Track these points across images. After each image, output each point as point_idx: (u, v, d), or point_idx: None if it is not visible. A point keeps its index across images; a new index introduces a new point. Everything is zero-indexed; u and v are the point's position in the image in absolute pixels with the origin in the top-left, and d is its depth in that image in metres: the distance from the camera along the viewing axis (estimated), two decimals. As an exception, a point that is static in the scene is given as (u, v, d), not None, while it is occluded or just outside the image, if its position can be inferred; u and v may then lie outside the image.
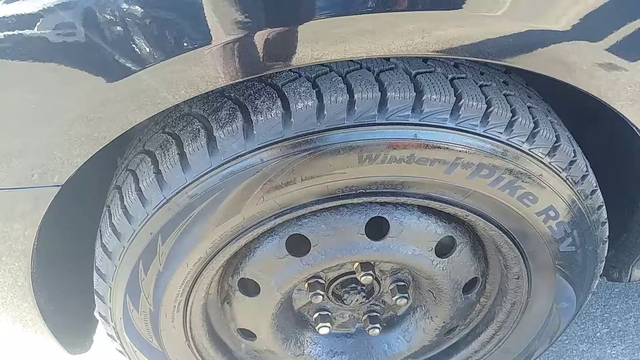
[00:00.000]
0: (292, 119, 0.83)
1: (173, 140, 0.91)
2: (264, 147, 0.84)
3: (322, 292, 1.11)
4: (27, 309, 1.08)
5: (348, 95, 0.84)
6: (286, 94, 0.85)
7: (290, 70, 0.87)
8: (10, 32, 0.72)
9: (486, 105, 0.88)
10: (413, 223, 1.02)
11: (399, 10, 0.73)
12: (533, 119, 0.92)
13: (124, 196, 0.94)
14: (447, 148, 0.87)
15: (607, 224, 1.09)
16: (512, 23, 0.77)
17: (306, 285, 1.12)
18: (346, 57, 0.77)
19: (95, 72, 0.75)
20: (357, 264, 1.10)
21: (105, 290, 1.03)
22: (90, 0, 0.70)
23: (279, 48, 0.75)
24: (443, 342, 1.32)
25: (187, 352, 1.15)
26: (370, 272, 1.10)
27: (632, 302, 1.72)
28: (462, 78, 0.91)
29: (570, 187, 0.98)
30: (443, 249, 1.09)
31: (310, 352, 1.26)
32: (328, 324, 1.17)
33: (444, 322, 1.23)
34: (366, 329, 1.21)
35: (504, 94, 0.92)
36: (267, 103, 0.84)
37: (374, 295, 1.19)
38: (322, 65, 0.88)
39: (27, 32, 0.71)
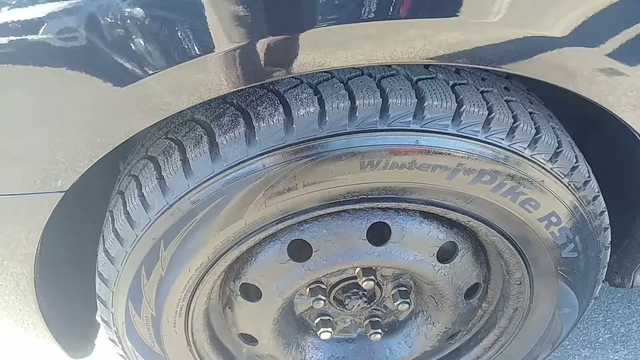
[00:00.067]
0: (294, 125, 0.84)
1: (176, 146, 0.91)
2: (266, 153, 0.85)
3: (323, 297, 1.11)
4: (29, 312, 1.09)
5: (350, 102, 0.84)
6: (288, 100, 0.85)
7: (292, 76, 0.87)
8: (15, 37, 0.72)
9: (488, 112, 0.88)
10: (415, 228, 1.03)
11: (399, 18, 0.73)
12: (535, 124, 0.92)
13: (127, 201, 0.94)
14: (449, 154, 0.87)
15: (609, 230, 1.09)
16: (511, 29, 0.77)
17: (308, 290, 1.12)
18: (348, 64, 0.78)
19: (99, 78, 0.76)
20: (358, 269, 1.10)
21: (107, 295, 1.03)
22: (94, 6, 0.71)
23: (281, 56, 0.75)
24: (445, 348, 1.32)
25: (189, 357, 1.15)
26: (372, 277, 1.10)
27: (635, 307, 1.71)
28: (464, 84, 0.91)
29: (572, 193, 0.98)
30: (445, 255, 1.09)
31: (312, 357, 1.26)
32: (329, 329, 1.17)
33: (445, 328, 1.23)
34: (368, 334, 1.21)
35: (505, 100, 0.93)
36: (269, 109, 0.85)
37: (375, 301, 1.19)
38: (324, 71, 0.88)
39: (32, 37, 0.72)
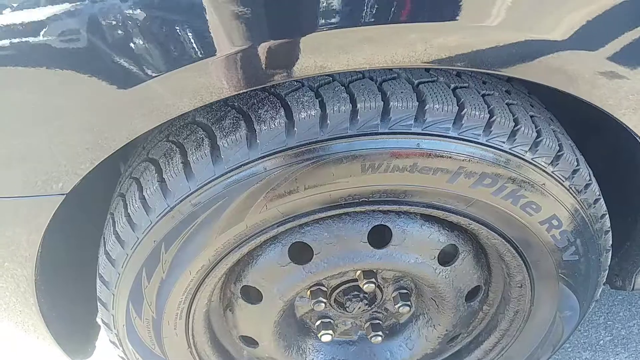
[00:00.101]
0: (295, 128, 0.84)
1: (177, 149, 0.91)
2: (267, 156, 0.85)
3: (324, 300, 1.11)
4: (29, 314, 1.09)
5: (351, 105, 0.84)
6: (289, 103, 0.85)
7: (293, 80, 0.87)
8: (17, 39, 0.72)
9: (489, 115, 0.88)
10: (416, 231, 1.03)
11: (399, 22, 0.73)
12: (536, 128, 0.92)
13: (128, 204, 0.94)
14: (450, 157, 0.88)
15: (610, 233, 1.08)
16: (511, 33, 0.77)
17: (308, 292, 1.12)
18: (349, 68, 0.78)
19: (100, 80, 0.76)
20: (359, 271, 1.10)
21: (108, 298, 1.03)
22: (96, 8, 0.71)
23: (282, 59, 0.75)
24: (445, 350, 1.32)
25: (190, 359, 1.15)
26: (373, 279, 1.09)
27: (636, 309, 1.71)
28: (465, 87, 0.91)
29: (574, 196, 0.98)
30: (446, 257, 1.09)
31: (313, 359, 1.26)
32: (330, 332, 1.17)
33: (446, 330, 1.23)
34: (368, 337, 1.21)
35: (506, 103, 0.93)
36: (271, 112, 0.85)
37: (376, 303, 1.19)
38: (325, 75, 0.88)
39: (34, 39, 0.72)
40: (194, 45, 0.72)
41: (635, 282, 1.22)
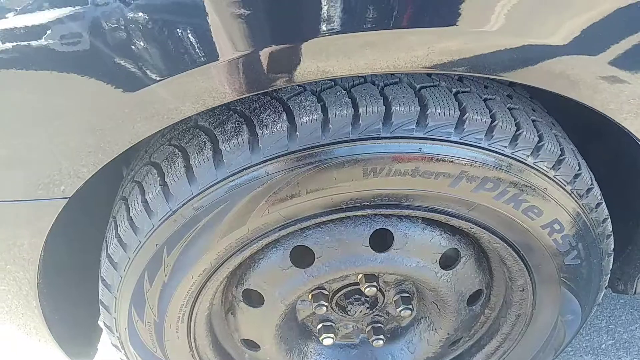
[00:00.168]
0: (297, 133, 0.84)
1: (179, 153, 0.91)
2: (269, 160, 0.85)
3: (326, 303, 1.11)
4: (31, 317, 1.09)
5: (353, 109, 0.84)
6: (291, 107, 0.85)
7: (295, 84, 0.87)
8: (20, 43, 0.72)
9: (490, 119, 0.88)
10: (417, 235, 1.03)
11: (401, 27, 0.74)
12: (537, 132, 0.92)
13: (130, 207, 0.95)
14: (452, 161, 0.88)
15: (612, 237, 1.08)
16: (512, 38, 0.77)
17: (310, 296, 1.12)
18: (351, 72, 0.78)
19: (103, 84, 0.76)
20: (361, 275, 1.10)
21: (110, 301, 1.03)
22: (98, 11, 0.71)
23: (285, 64, 0.75)
24: (447, 354, 1.32)
25: (191, 363, 1.16)
26: (374, 283, 1.10)
27: (638, 313, 1.70)
28: (467, 92, 0.91)
29: (575, 200, 0.98)
30: (447, 261, 1.09)
31: (314, 363, 1.26)
32: (332, 335, 1.17)
33: (448, 334, 1.22)
34: (370, 340, 1.21)
35: (508, 108, 0.93)
36: (273, 117, 0.85)
37: (377, 307, 1.19)
38: (327, 79, 0.89)
39: (36, 42, 0.72)
40: (197, 49, 0.73)
41: (637, 286, 1.22)
